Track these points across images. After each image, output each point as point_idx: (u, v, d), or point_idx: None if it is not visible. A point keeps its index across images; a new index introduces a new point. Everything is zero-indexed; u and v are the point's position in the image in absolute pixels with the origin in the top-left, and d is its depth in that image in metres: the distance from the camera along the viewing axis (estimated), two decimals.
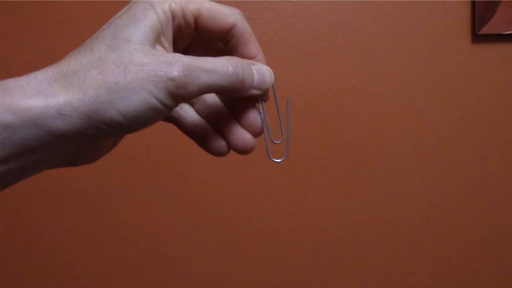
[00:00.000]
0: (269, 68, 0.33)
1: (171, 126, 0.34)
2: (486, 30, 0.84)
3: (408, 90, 0.87)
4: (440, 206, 0.89)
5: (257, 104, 0.33)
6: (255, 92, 0.32)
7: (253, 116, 0.33)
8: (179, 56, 0.27)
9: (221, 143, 0.33)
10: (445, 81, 0.87)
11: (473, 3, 0.84)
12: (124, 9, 0.29)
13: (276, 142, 0.35)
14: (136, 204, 0.88)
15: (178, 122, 0.34)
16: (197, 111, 0.34)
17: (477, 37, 0.85)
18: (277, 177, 0.88)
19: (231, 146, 0.33)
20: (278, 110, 0.35)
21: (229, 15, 0.31)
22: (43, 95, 0.25)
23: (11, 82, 0.25)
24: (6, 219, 0.87)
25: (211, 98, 0.34)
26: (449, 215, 0.90)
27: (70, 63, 0.26)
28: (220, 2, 0.32)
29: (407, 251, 0.90)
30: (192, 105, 0.34)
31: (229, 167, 0.87)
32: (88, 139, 0.27)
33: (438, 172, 0.89)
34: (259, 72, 0.32)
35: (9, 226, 0.87)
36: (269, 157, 0.35)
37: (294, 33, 0.85)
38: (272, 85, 0.33)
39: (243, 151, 0.33)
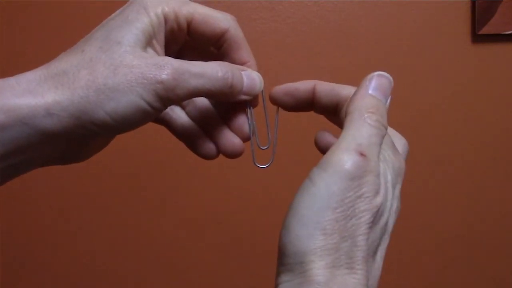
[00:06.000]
0: (259, 74, 0.33)
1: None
2: (486, 30, 0.84)
3: (408, 90, 0.87)
4: (439, 206, 0.89)
5: (246, 109, 0.34)
6: (244, 97, 0.32)
7: (242, 121, 0.34)
8: (168, 59, 0.28)
9: (210, 146, 0.34)
10: (445, 81, 0.87)
11: (473, 3, 0.84)
12: (117, 11, 0.29)
13: (263, 148, 0.35)
14: (136, 204, 0.88)
15: (168, 124, 0.34)
16: (188, 114, 0.34)
17: (477, 37, 0.85)
18: (278, 177, 0.88)
19: (220, 150, 0.34)
20: (266, 116, 0.35)
21: (221, 20, 0.31)
22: (33, 95, 0.25)
23: (1, 82, 0.26)
24: (6, 219, 0.86)
25: (202, 101, 0.34)
26: (449, 215, 0.90)
27: (60, 63, 0.27)
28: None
29: (406, 251, 0.90)
30: (183, 107, 0.34)
31: (229, 168, 0.87)
32: (77, 138, 0.28)
33: (437, 172, 0.89)
34: (249, 77, 0.32)
35: (9, 226, 0.87)
36: (254, 162, 0.34)
37: (294, 33, 0.85)
38: (262, 91, 0.33)
39: (232, 155, 0.33)
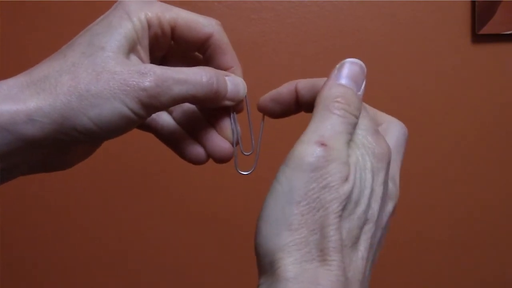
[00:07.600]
0: (242, 80, 0.33)
1: None
2: (486, 30, 0.84)
3: (408, 90, 0.87)
4: (439, 206, 0.89)
5: (230, 115, 0.34)
6: (228, 103, 0.32)
7: (226, 126, 0.33)
8: (151, 67, 0.27)
9: (198, 151, 0.33)
10: (445, 81, 0.87)
11: (473, 3, 0.84)
12: (101, 17, 0.29)
13: (246, 154, 0.35)
14: (137, 204, 0.88)
15: (154, 130, 0.34)
16: (174, 119, 0.34)
17: (477, 37, 0.85)
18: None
19: (209, 154, 0.33)
20: (249, 122, 0.35)
21: (205, 25, 0.31)
22: (14, 101, 0.25)
23: None
24: (6, 219, 0.86)
25: (189, 106, 0.34)
26: (448, 215, 0.90)
27: (42, 69, 0.26)
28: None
29: (407, 250, 0.90)
30: (169, 113, 0.34)
31: (226, 170, 0.87)
32: (59, 145, 0.27)
33: (436, 172, 0.89)
34: (233, 83, 0.32)
35: (9, 228, 0.87)
36: (236, 168, 0.34)
37: (294, 33, 0.85)
38: (245, 96, 0.33)
39: (221, 159, 0.33)
